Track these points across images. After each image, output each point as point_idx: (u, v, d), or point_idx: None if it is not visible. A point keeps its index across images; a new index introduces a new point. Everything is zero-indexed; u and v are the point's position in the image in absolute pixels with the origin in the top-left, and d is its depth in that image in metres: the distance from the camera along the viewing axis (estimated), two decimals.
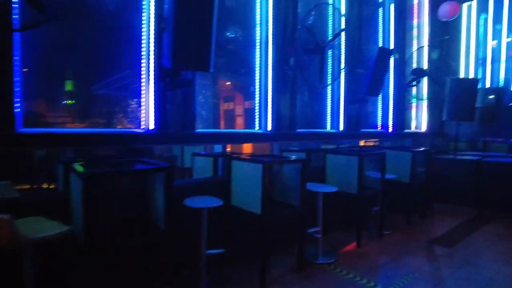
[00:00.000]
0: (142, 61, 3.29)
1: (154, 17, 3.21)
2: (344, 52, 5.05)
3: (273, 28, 4.26)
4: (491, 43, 10.34)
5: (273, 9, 4.26)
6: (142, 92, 3.28)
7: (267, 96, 4.26)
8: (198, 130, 3.50)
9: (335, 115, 5.17)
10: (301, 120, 4.66)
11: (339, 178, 4.00)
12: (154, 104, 3.22)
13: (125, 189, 2.46)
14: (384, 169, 4.14)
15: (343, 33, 4.80)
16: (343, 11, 5.08)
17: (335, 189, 3.49)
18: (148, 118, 3.24)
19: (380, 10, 6.19)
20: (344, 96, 5.12)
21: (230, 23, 5.13)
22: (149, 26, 3.24)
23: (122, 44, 3.48)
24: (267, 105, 4.26)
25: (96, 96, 3.52)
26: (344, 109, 5.14)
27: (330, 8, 4.88)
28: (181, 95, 3.30)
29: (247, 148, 4.93)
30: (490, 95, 7.46)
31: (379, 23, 6.15)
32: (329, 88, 5.14)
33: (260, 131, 4.31)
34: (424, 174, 5.05)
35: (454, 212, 5.54)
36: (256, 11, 4.32)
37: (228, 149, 4.28)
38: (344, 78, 5.11)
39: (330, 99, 5.18)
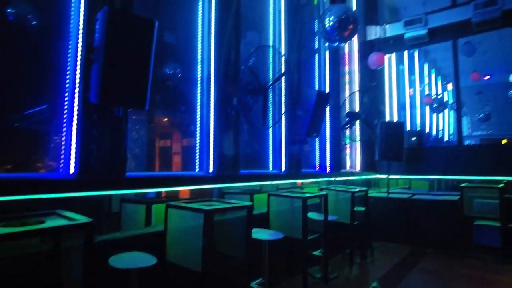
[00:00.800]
0: (66, 94, 2.87)
1: (82, 46, 2.85)
2: (284, 94, 5.11)
3: (215, 67, 4.13)
4: (408, 91, 11.63)
5: (215, 47, 4.17)
6: (63, 130, 2.82)
7: (209, 136, 4.03)
8: (130, 174, 3.09)
9: (277, 156, 5.11)
10: (243, 160, 4.48)
11: (283, 222, 3.84)
12: (77, 144, 2.77)
13: (31, 253, 1.96)
14: (327, 211, 4.09)
15: (284, 76, 4.88)
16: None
17: (281, 236, 3.28)
18: (69, 160, 2.76)
19: (316, 56, 6.54)
20: (285, 137, 5.12)
21: (169, 59, 4.92)
22: (76, 55, 2.87)
23: (44, 72, 3.04)
24: (209, 146, 4.01)
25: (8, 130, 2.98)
26: (285, 149, 5.12)
27: (273, 50, 4.98)
28: (110, 134, 2.90)
29: (184, 190, 4.56)
30: (412, 137, 8.20)
31: (316, 68, 6.47)
32: (271, 129, 5.10)
33: (201, 173, 4.01)
34: (363, 214, 5.15)
35: (391, 250, 5.70)
36: (198, 49, 4.19)
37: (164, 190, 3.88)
38: (285, 119, 5.14)
39: (271, 139, 5.14)
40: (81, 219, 1.97)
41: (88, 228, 1.87)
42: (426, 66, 13.71)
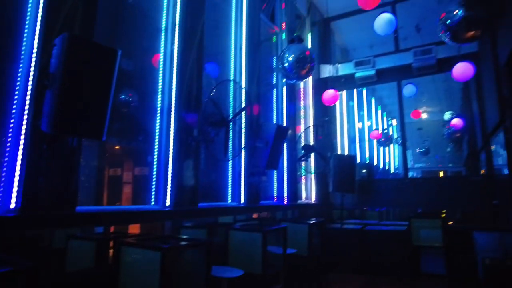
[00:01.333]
0: (11, 120, 2.65)
1: (35, 71, 2.69)
2: (245, 126, 5.18)
3: (176, 97, 4.10)
4: (357, 125, 12.37)
5: (177, 78, 4.15)
6: (5, 159, 2.57)
7: (167, 167, 3.91)
8: (80, 208, 2.86)
9: (236, 187, 5.07)
10: (202, 192, 4.39)
11: (243, 257, 3.75)
12: (21, 175, 2.53)
13: None
14: (286, 244, 4.08)
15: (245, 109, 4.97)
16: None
17: (241, 273, 3.20)
18: (11, 194, 2.50)
19: (274, 90, 6.79)
20: (245, 169, 5.13)
21: (125, 85, 4.80)
22: (27, 79, 2.69)
23: None
24: (166, 178, 3.88)
25: None
26: (245, 181, 5.11)
27: (235, 85, 5.08)
28: (60, 165, 2.70)
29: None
30: (363, 169, 8.64)
31: (274, 102, 6.68)
32: (231, 160, 5.09)
33: (157, 207, 3.83)
34: (319, 245, 5.22)
35: (346, 280, 5.78)
36: (159, 78, 4.15)
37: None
38: (245, 151, 5.17)
39: (231, 171, 5.12)
40: (22, 264, 1.76)
41: (31, 273, 1.68)
42: (373, 103, 14.77)
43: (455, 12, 3.78)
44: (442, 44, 6.97)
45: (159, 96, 4.13)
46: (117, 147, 5.34)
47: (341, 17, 9.12)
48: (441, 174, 17.13)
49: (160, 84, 4.15)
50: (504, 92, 4.76)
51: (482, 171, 7.50)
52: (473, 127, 9.56)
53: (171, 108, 4.07)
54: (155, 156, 4.02)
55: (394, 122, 16.94)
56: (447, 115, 11.91)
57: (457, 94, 13.32)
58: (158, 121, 4.08)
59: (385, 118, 16.22)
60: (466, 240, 5.17)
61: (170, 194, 3.89)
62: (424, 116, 15.33)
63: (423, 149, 15.02)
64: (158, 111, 4.09)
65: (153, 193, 3.94)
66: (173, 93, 4.12)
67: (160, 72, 4.19)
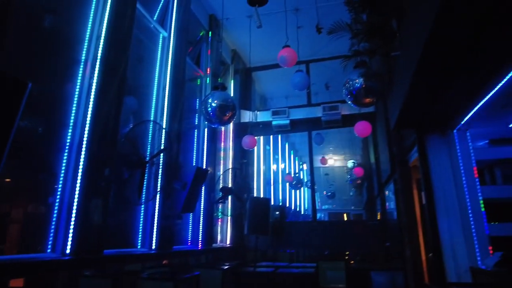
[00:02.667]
0: None
1: None
2: (163, 166, 5.02)
3: (89, 133, 3.83)
4: (272, 168, 13.00)
5: (92, 112, 3.91)
6: None
7: (71, 208, 3.53)
8: None
9: (148, 232, 4.77)
10: (110, 237, 4.03)
11: None
12: None
13: None
14: None
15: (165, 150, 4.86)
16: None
17: None
18: None
19: (196, 131, 6.83)
20: (159, 212, 4.89)
21: (31, 114, 4.32)
22: None
23: None
24: (69, 220, 3.49)
25: None
26: (157, 225, 4.84)
27: (156, 125, 4.97)
28: None
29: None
30: (276, 211, 8.99)
31: (194, 143, 6.69)
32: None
33: (55, 256, 3.37)
34: None
35: None
36: (72, 110, 3.86)
37: None
38: (161, 193, 4.97)
39: (143, 213, 4.83)
40: None
41: None
42: (287, 147, 15.77)
43: (356, 81, 4.44)
44: (346, 102, 8.03)
45: (70, 130, 3.81)
46: (8, 180, 4.64)
47: (261, 68, 9.85)
48: (344, 215, 18.75)
49: (72, 117, 3.86)
50: (393, 150, 5.63)
51: (379, 215, 8.49)
52: (371, 175, 10.89)
53: (82, 143, 3.77)
54: (58, 195, 3.61)
55: (305, 166, 18.26)
56: (350, 163, 13.35)
57: (358, 144, 15.16)
58: (66, 156, 3.73)
59: (297, 162, 17.41)
60: (365, 279, 5.68)
61: (72, 239, 3.48)
62: (330, 162, 16.92)
63: (329, 193, 16.37)
64: (67, 146, 3.75)
65: (51, 238, 3.49)
66: (86, 128, 3.84)
67: (74, 104, 3.91)
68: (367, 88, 4.43)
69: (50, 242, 3.47)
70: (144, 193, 4.28)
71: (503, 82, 2.61)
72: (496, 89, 2.73)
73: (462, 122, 3.49)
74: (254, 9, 5.13)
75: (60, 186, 3.64)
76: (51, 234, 3.49)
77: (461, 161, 3.59)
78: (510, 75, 2.55)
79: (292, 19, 7.49)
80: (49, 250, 3.44)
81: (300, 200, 17.30)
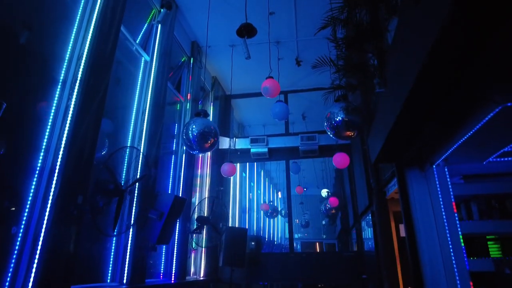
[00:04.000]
0: None
1: None
2: (138, 194, 4.78)
3: (63, 158, 3.59)
4: (248, 195, 12.84)
5: (68, 135, 3.69)
6: None
7: (37, 239, 3.23)
8: None
9: (119, 264, 4.45)
10: (78, 270, 3.70)
11: None
12: None
13: None
14: None
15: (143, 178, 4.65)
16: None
17: None
18: None
19: (173, 157, 6.64)
20: (132, 243, 4.59)
21: None
22: None
23: None
24: (34, 253, 3.18)
25: None
26: (130, 257, 4.54)
27: (135, 151, 4.77)
28: None
29: None
30: (252, 241, 8.77)
31: (171, 169, 6.49)
32: None
33: None
34: None
35: None
36: (46, 133, 3.63)
37: None
38: (134, 223, 4.70)
39: (115, 245, 4.52)
40: None
41: None
42: (262, 175, 15.73)
43: (337, 114, 4.54)
44: (323, 133, 8.18)
45: (42, 153, 3.56)
46: None
47: (240, 96, 9.94)
48: (317, 245, 18.66)
49: (45, 140, 3.62)
50: (371, 182, 5.72)
51: (356, 246, 8.48)
52: (346, 206, 11.00)
53: (55, 168, 3.52)
54: (23, 224, 3.30)
55: (279, 194, 18.22)
56: (324, 193, 13.44)
57: (331, 173, 15.39)
58: (35, 181, 3.45)
59: (271, 190, 17.34)
60: None
61: (35, 274, 3.15)
62: (303, 190, 16.98)
63: (303, 222, 16.31)
64: (38, 170, 3.49)
65: (9, 272, 3.14)
66: (60, 152, 3.61)
67: (49, 126, 3.68)
68: (348, 122, 4.55)
69: (8, 278, 3.13)
70: (121, 222, 4.02)
71: (480, 124, 2.74)
72: (474, 130, 2.86)
73: (441, 159, 3.62)
74: (243, 40, 5.20)
75: (25, 214, 3.34)
76: (11, 269, 3.15)
77: (441, 196, 3.69)
78: (486, 118, 2.69)
79: (273, 50, 7.68)
80: (8, 283, 3.08)
81: (274, 228, 17.09)
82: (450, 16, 1.80)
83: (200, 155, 8.00)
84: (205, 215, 6.88)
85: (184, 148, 6.51)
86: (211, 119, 8.46)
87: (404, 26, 2.86)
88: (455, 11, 1.76)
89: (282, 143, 8.73)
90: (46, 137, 3.63)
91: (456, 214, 3.55)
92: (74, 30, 4.20)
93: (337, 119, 4.59)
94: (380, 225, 5.57)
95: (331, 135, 4.80)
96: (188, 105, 7.20)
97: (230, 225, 8.43)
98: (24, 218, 3.32)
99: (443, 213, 3.60)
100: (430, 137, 3.44)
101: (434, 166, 3.85)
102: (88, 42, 4.15)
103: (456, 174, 4.04)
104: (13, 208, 3.38)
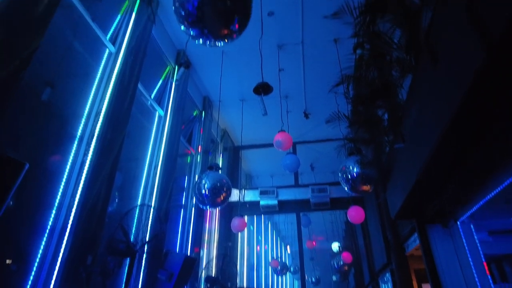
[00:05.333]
0: None
1: None
2: (146, 253, 4.57)
3: (76, 215, 3.50)
4: (256, 249, 12.34)
5: (82, 192, 3.63)
6: None
7: None
8: None
9: None
10: None
11: None
12: None
13: None
14: None
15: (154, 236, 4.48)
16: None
17: None
18: None
19: (182, 211, 6.49)
20: None
21: None
22: None
23: None
24: None
25: None
26: None
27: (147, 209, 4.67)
28: None
29: None
30: None
31: (180, 224, 6.31)
32: None
33: None
34: None
35: None
36: (59, 190, 3.57)
37: None
38: (142, 284, 4.44)
39: None
40: None
41: None
42: (269, 227, 15.25)
43: (352, 169, 4.47)
44: (334, 185, 8.05)
45: (54, 211, 3.48)
46: None
47: (249, 147, 9.99)
48: None
49: (58, 197, 3.56)
50: (388, 237, 5.47)
51: None
52: (359, 261, 10.46)
53: (66, 226, 3.41)
54: (28, 286, 3.11)
55: (288, 249, 17.50)
56: (335, 247, 12.87)
57: (341, 225, 14.88)
58: (44, 241, 3.32)
59: (279, 243, 16.69)
60: None
61: None
62: (314, 244, 16.33)
63: (314, 279, 15.43)
64: (48, 229, 3.37)
65: None
66: (73, 210, 3.52)
67: (62, 183, 3.64)
68: (364, 175, 4.47)
69: None
70: (135, 283, 3.79)
71: (510, 180, 2.66)
72: (503, 186, 2.77)
73: (467, 215, 3.47)
74: (260, 98, 5.34)
75: (32, 275, 3.17)
76: None
77: (469, 255, 3.47)
78: None
79: (282, 104, 7.86)
80: None
81: (283, 286, 16.15)
82: (474, 81, 1.81)
83: (209, 210, 7.82)
84: (213, 273, 6.53)
85: (194, 201, 6.38)
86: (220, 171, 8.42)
87: (421, 85, 2.91)
88: (481, 75, 1.77)
89: (292, 195, 8.57)
90: (59, 194, 3.57)
91: (489, 277, 3.31)
92: (94, 87, 4.33)
93: (353, 173, 4.52)
94: (401, 285, 5.21)
95: (347, 189, 4.69)
96: (198, 158, 7.21)
97: (239, 286, 7.97)
98: (31, 279, 3.14)
99: (475, 275, 3.36)
100: (455, 193, 3.33)
101: (458, 223, 3.68)
102: (107, 99, 4.26)
103: (482, 230, 3.86)
104: (19, 268, 3.22)
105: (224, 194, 4.83)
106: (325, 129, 5.41)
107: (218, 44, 1.99)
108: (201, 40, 1.84)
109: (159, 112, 5.91)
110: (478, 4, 1.71)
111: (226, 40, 1.95)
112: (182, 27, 1.82)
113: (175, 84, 6.20)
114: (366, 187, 4.54)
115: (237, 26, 1.80)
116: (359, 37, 3.48)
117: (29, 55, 2.98)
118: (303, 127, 9.30)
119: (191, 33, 1.80)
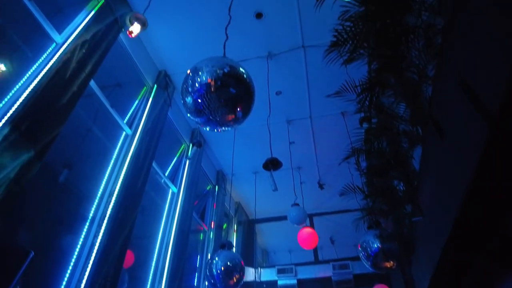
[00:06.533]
0: None
1: None
2: None
3: None
4: None
5: (89, 274, 3.50)
6: None
7: None
8: None
9: None
10: None
11: None
12: None
13: None
14: None
15: None
16: None
17: None
18: None
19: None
20: None
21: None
22: None
23: None
24: None
25: None
26: None
27: None
28: None
29: None
30: None
31: None
32: None
33: None
34: None
35: None
36: (66, 274, 3.46)
37: None
38: None
39: None
40: None
41: None
42: None
43: (372, 243, 4.22)
44: (357, 259, 7.52)
45: None
46: None
47: (264, 221, 9.72)
48: None
49: (64, 282, 3.43)
50: None
51: None
52: None
53: None
54: None
55: None
56: None
57: None
58: None
59: None
60: None
61: None
62: None
63: None
64: None
65: None
66: None
67: (70, 266, 3.54)
68: (385, 250, 4.20)
69: None
70: None
71: None
72: None
73: None
74: (270, 174, 5.38)
75: None
76: None
77: None
78: None
79: (295, 175, 7.84)
80: None
81: None
82: (481, 157, 1.77)
83: None
84: None
85: (206, 283, 6.03)
86: (234, 246, 8.09)
87: (431, 156, 2.87)
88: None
89: (313, 273, 8.00)
90: (66, 278, 3.45)
91: None
92: (109, 168, 4.47)
93: (373, 248, 4.25)
94: None
95: (369, 267, 4.37)
96: (211, 234, 7.01)
97: None
98: None
99: None
100: (486, 267, 3.03)
101: None
102: (120, 179, 4.35)
103: None
104: None
105: (237, 276, 4.57)
106: (342, 199, 5.28)
107: (225, 129, 2.06)
108: (208, 128, 1.93)
109: (172, 189, 5.96)
110: (471, 81, 1.76)
111: (232, 125, 2.02)
112: (189, 115, 1.92)
113: (188, 162, 6.35)
114: (389, 264, 4.23)
115: (241, 112, 1.89)
116: (365, 112, 3.57)
117: (50, 142, 3.15)
118: (319, 198, 9.10)
119: (198, 121, 1.89)
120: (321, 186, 8.23)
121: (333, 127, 6.72)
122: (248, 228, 9.50)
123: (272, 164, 4.57)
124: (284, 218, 6.97)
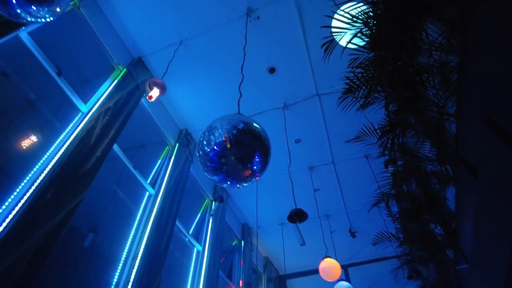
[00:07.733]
0: None
1: None
2: None
3: None
4: None
5: None
6: None
7: None
8: None
9: None
10: None
11: None
12: None
13: None
14: None
15: None
16: None
17: None
18: None
19: None
20: None
21: None
22: None
23: None
24: None
25: None
26: None
27: None
28: None
29: None
30: None
31: None
32: None
33: None
34: None
35: None
36: None
37: None
38: None
39: None
40: None
41: None
42: None
43: None
44: None
45: None
46: None
47: (296, 275, 9.16)
48: None
49: None
50: None
51: None
52: None
53: None
54: None
55: None
56: None
57: None
58: None
59: None
60: None
61: None
62: None
63: None
64: None
65: None
66: None
67: None
68: None
69: None
70: None
71: None
72: None
73: None
74: (295, 226, 5.17)
75: None
76: None
77: None
78: None
79: (324, 224, 7.50)
80: None
81: None
82: None
83: None
84: None
85: None
86: None
87: (467, 196, 2.67)
88: None
89: None
90: None
91: None
92: (133, 229, 4.43)
93: None
94: None
95: None
96: None
97: None
98: None
99: None
100: None
101: None
102: (144, 241, 4.28)
103: None
104: None
105: None
106: (378, 246, 4.93)
107: (245, 185, 2.02)
108: (225, 185, 1.90)
109: (197, 247, 5.79)
110: (497, 116, 1.66)
111: (250, 180, 1.98)
112: (206, 174, 1.90)
113: (212, 218, 6.24)
114: None
115: (258, 167, 1.86)
116: (388, 154, 3.45)
117: (74, 208, 3.19)
118: (352, 247, 8.57)
119: (215, 179, 1.87)
120: (352, 235, 7.79)
121: (357, 170, 6.53)
122: (279, 284, 8.95)
123: (297, 216, 4.38)
124: (315, 271, 6.53)
